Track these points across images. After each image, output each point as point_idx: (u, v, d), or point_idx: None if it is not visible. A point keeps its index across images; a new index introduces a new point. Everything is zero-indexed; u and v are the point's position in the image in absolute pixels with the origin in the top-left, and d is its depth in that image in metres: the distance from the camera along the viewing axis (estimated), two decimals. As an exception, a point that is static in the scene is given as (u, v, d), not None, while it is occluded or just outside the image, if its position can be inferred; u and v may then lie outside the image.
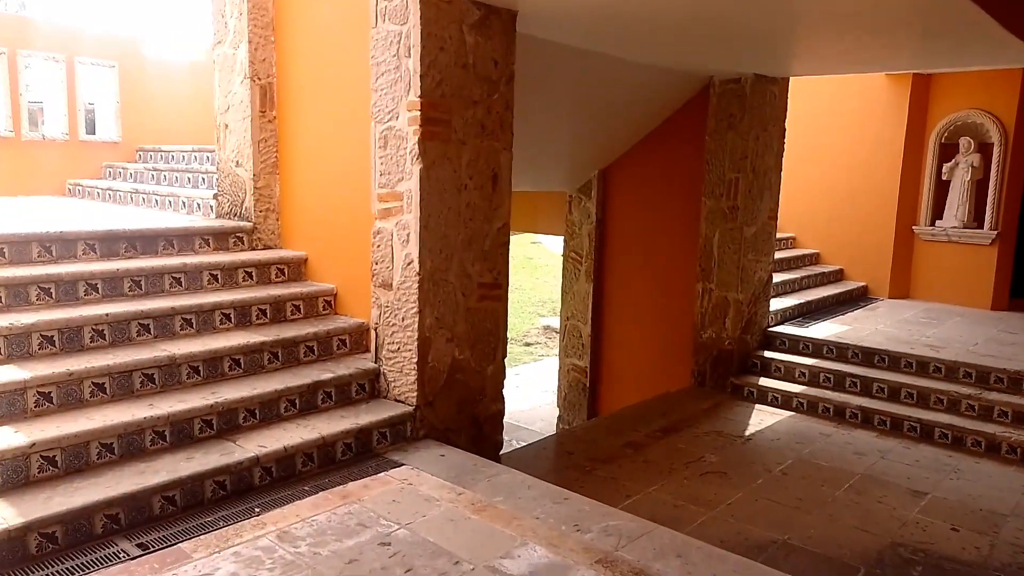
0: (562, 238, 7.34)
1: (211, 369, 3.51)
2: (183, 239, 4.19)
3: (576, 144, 6.51)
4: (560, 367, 7.43)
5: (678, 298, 6.57)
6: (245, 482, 3.06)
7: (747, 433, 5.28)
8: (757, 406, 5.92)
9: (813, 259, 8.53)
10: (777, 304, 6.83)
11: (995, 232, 7.56)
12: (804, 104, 7.88)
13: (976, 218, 7.71)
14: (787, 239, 8.56)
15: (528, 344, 13.21)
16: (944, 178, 7.87)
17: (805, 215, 8.57)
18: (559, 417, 7.47)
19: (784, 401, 5.89)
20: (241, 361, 3.60)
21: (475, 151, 3.76)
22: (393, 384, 3.76)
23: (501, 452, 5.07)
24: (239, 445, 3.17)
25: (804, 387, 5.93)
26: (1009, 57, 5.03)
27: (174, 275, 3.89)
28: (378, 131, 3.72)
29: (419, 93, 3.50)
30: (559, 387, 7.45)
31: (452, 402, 3.84)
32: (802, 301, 7.15)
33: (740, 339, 6.23)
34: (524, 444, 5.76)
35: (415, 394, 3.65)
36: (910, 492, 4.31)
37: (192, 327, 3.70)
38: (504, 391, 4.16)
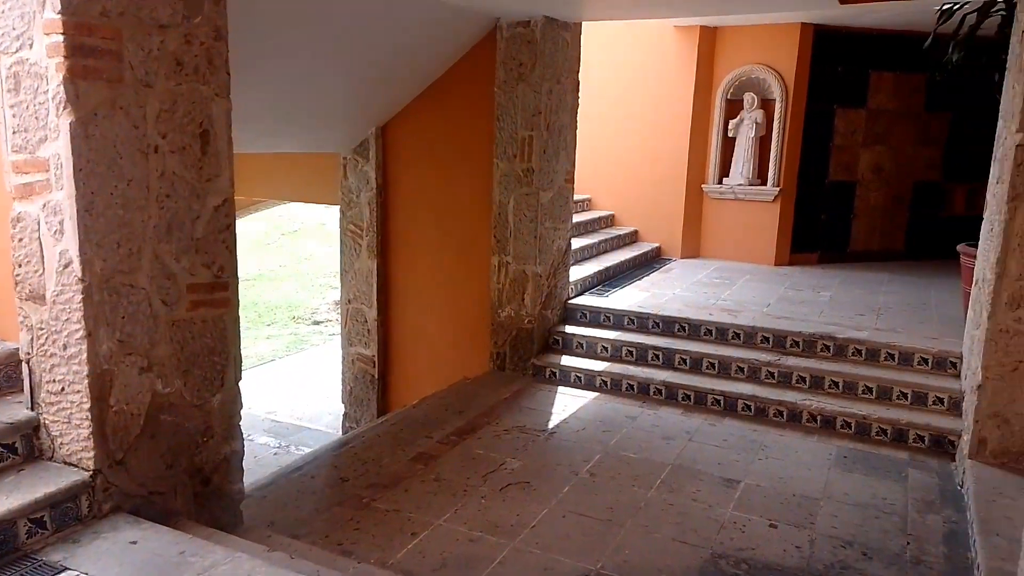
0: (338, 208, 6.28)
1: None
2: None
3: (345, 95, 5.45)
4: (343, 357, 6.45)
5: (475, 274, 5.83)
6: None
7: (550, 425, 4.70)
8: (560, 388, 5.39)
9: (608, 221, 8.23)
10: (576, 272, 6.34)
11: (778, 189, 7.65)
12: (594, 57, 7.40)
13: (760, 175, 7.76)
14: (583, 201, 8.16)
15: (318, 322, 11.99)
16: (730, 135, 7.83)
17: (599, 175, 8.21)
18: (345, 415, 6.52)
19: (587, 381, 5.40)
20: None
21: (169, 98, 2.64)
22: (60, 441, 2.60)
23: (259, 481, 4.06)
24: None
25: (607, 363, 5.48)
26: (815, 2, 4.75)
27: None
28: (5, 66, 2.47)
29: (59, 8, 2.31)
30: (343, 380, 6.48)
31: (157, 455, 2.76)
32: (601, 268, 6.74)
33: (540, 315, 5.65)
34: (299, 458, 4.74)
35: (93, 453, 2.53)
36: (723, 482, 3.94)
37: None
38: (241, 423, 3.13)
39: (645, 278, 6.96)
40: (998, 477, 3.69)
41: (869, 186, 8.02)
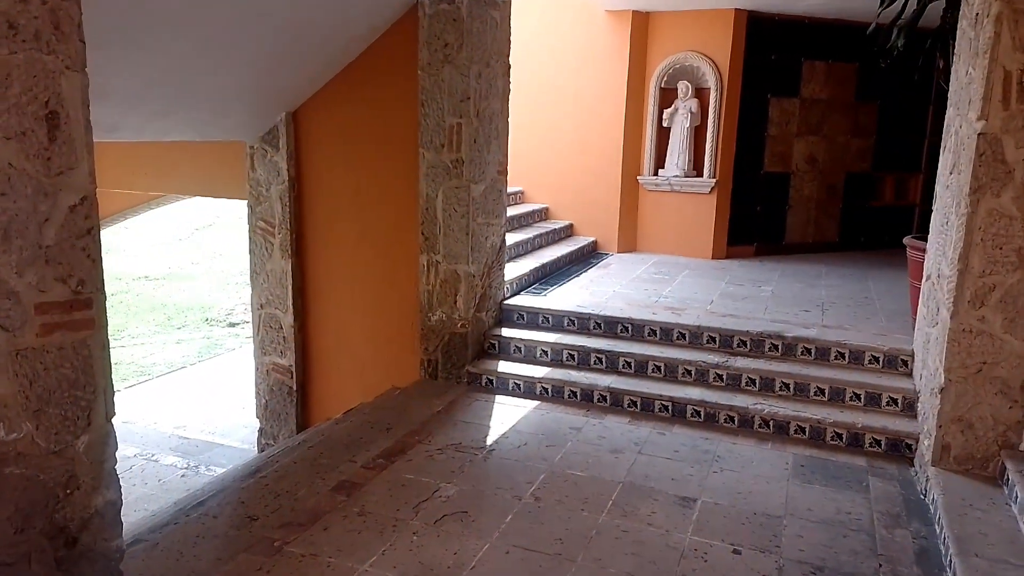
0: (246, 203, 5.67)
1: None
2: None
3: (250, 75, 4.86)
4: (257, 368, 5.85)
5: (402, 274, 5.34)
6: None
7: (488, 442, 4.27)
8: (498, 398, 4.98)
9: (543, 214, 7.86)
10: (512, 270, 5.94)
11: (714, 180, 7.44)
12: (524, 42, 7.01)
13: (696, 166, 7.54)
14: (515, 193, 7.76)
15: (233, 324, 11.21)
16: (665, 125, 7.57)
17: (531, 166, 7.82)
18: (260, 431, 5.92)
19: (527, 388, 5.01)
20: None
21: (0, 70, 2.07)
22: None
23: (153, 519, 3.50)
24: None
25: (548, 369, 5.10)
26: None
27: None
28: None
29: None
30: (258, 393, 5.88)
31: (3, 517, 2.19)
32: (538, 264, 6.35)
33: (474, 319, 5.21)
34: (203, 487, 4.15)
35: (-98, 529, 1.96)
36: (678, 501, 3.61)
37: None
38: (116, 466, 2.58)
39: (583, 274, 6.62)
40: (965, 486, 3.49)
41: (803, 177, 7.92)
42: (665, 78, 7.49)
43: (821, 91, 7.77)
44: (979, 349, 3.55)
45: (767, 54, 7.44)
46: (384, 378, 5.37)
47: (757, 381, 4.70)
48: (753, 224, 7.79)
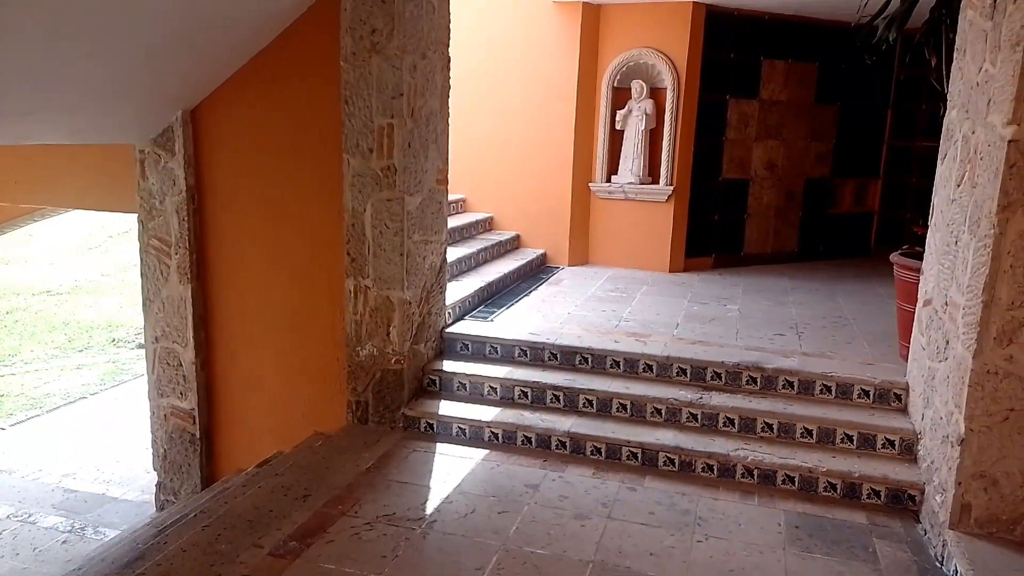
0: (136, 217, 4.78)
1: None
2: None
3: (133, 65, 4.00)
4: (152, 412, 4.97)
5: (325, 302, 4.56)
6: None
7: (429, 509, 3.55)
8: (440, 447, 4.25)
9: (487, 225, 7.17)
10: (454, 291, 5.23)
11: (671, 187, 6.89)
12: (464, 35, 6.29)
13: (652, 172, 6.97)
14: (457, 202, 7.06)
15: (144, 345, 10.12)
16: (618, 127, 6.99)
17: (475, 172, 7.12)
18: (159, 485, 5.04)
19: (474, 434, 4.31)
20: None
21: None
22: None
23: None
24: None
25: (497, 409, 4.41)
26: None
27: None
28: None
29: None
30: (154, 441, 5.00)
31: None
32: (483, 284, 5.65)
33: (411, 352, 4.48)
34: (76, 569, 3.31)
35: None
36: (661, 586, 2.97)
37: None
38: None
39: (533, 293, 5.96)
40: (992, 556, 2.97)
41: (763, 184, 7.45)
42: (618, 77, 6.90)
43: (781, 92, 7.31)
44: (1006, 394, 3.03)
45: (726, 52, 6.93)
46: (305, 423, 4.58)
47: (736, 421, 4.12)
48: (711, 234, 7.29)
